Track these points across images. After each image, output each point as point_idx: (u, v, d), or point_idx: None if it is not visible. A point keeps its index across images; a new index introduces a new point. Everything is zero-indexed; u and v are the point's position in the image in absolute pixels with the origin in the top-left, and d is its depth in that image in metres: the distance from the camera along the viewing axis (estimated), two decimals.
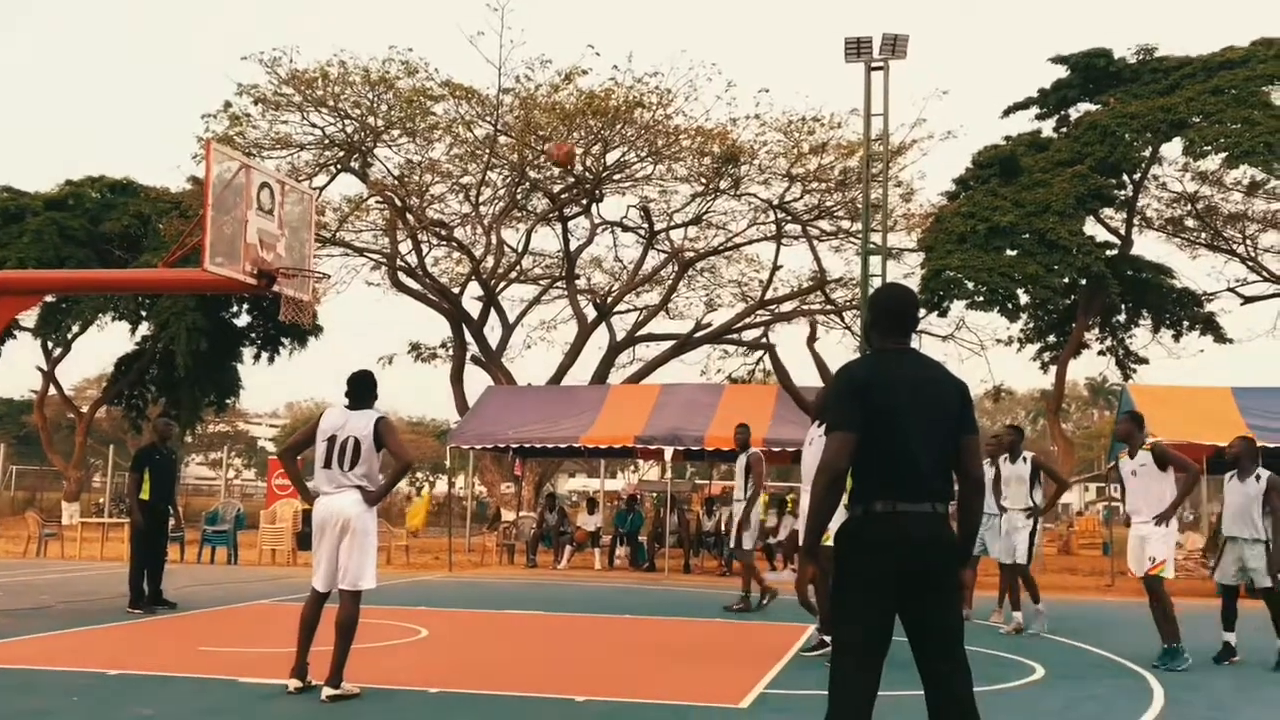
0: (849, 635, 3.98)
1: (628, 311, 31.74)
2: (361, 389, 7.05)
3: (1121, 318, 27.27)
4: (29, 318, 30.09)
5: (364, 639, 9.51)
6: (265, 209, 10.27)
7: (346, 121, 26.28)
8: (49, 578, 15.39)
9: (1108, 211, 25.68)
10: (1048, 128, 26.58)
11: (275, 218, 10.46)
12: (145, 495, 11.51)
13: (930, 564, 3.96)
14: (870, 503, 3.99)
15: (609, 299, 30.95)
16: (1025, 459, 11.21)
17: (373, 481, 6.93)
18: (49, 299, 26.63)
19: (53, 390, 35.88)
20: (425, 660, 8.70)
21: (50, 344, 33.63)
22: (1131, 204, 25.76)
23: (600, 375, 29.47)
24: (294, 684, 6.92)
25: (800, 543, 4.29)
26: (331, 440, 6.88)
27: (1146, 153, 24.39)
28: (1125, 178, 24.97)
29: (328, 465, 6.88)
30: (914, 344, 4.24)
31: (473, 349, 29.90)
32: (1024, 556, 11.05)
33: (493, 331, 30.09)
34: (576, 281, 30.63)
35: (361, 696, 6.84)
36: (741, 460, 12.57)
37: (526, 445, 19.74)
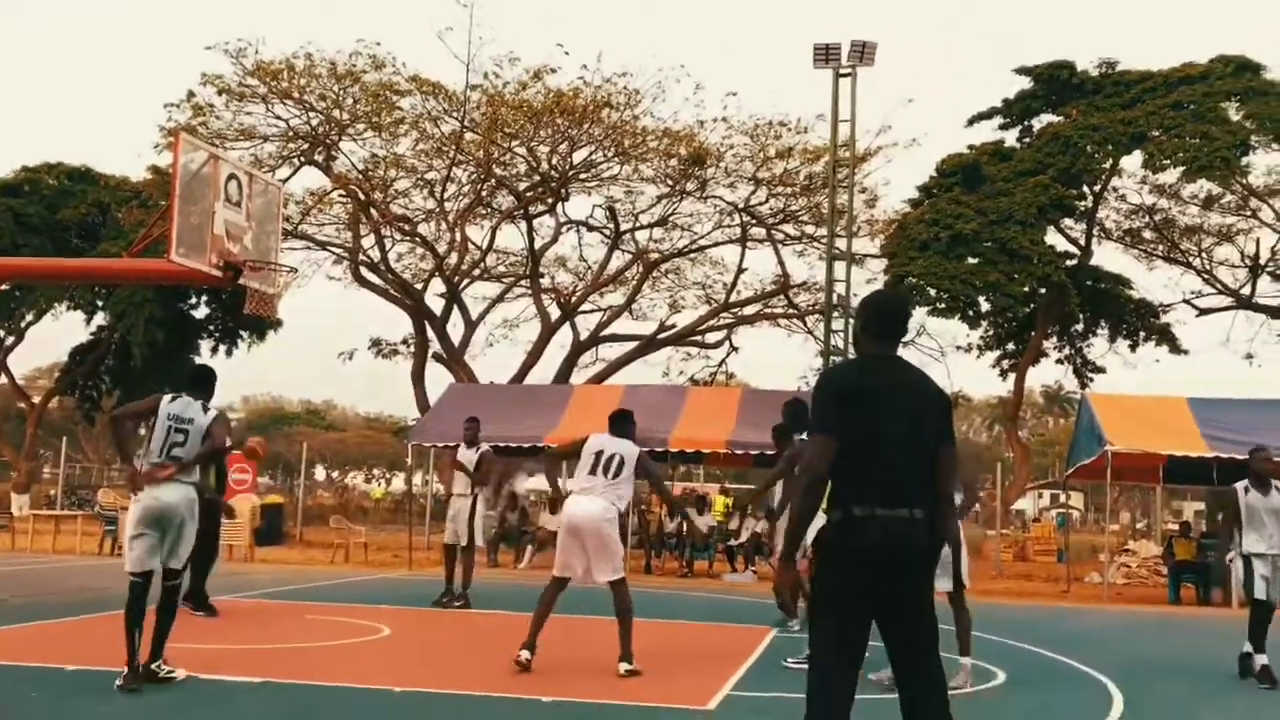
0: (827, 640, 3.99)
1: (591, 311, 31.74)
2: (623, 423, 8.26)
3: (1080, 327, 27.65)
4: None
5: (324, 636, 9.47)
6: (233, 201, 10.15)
7: (311, 114, 26.09)
8: (1, 570, 15.12)
9: (1068, 222, 26.05)
10: (1011, 138, 26.91)
11: (243, 210, 10.33)
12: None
13: (908, 569, 3.98)
14: (849, 507, 3.99)
15: (573, 299, 30.90)
16: None
17: (621, 498, 8.00)
18: (3, 287, 26.15)
19: (3, 379, 35.29)
20: (388, 659, 8.63)
21: (3, 332, 33.07)
22: (1092, 215, 26.13)
23: (563, 375, 29.42)
24: (524, 655, 7.68)
25: (780, 549, 4.29)
26: (599, 454, 8.00)
27: (1107, 164, 24.77)
28: (1086, 189, 25.35)
29: (593, 472, 7.95)
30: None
31: (434, 346, 29.74)
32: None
33: (455, 329, 29.96)
34: (540, 280, 30.55)
35: (640, 674, 7.62)
36: (471, 455, 12.30)
37: (489, 444, 19.62)
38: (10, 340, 33.69)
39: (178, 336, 29.97)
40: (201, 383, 7.48)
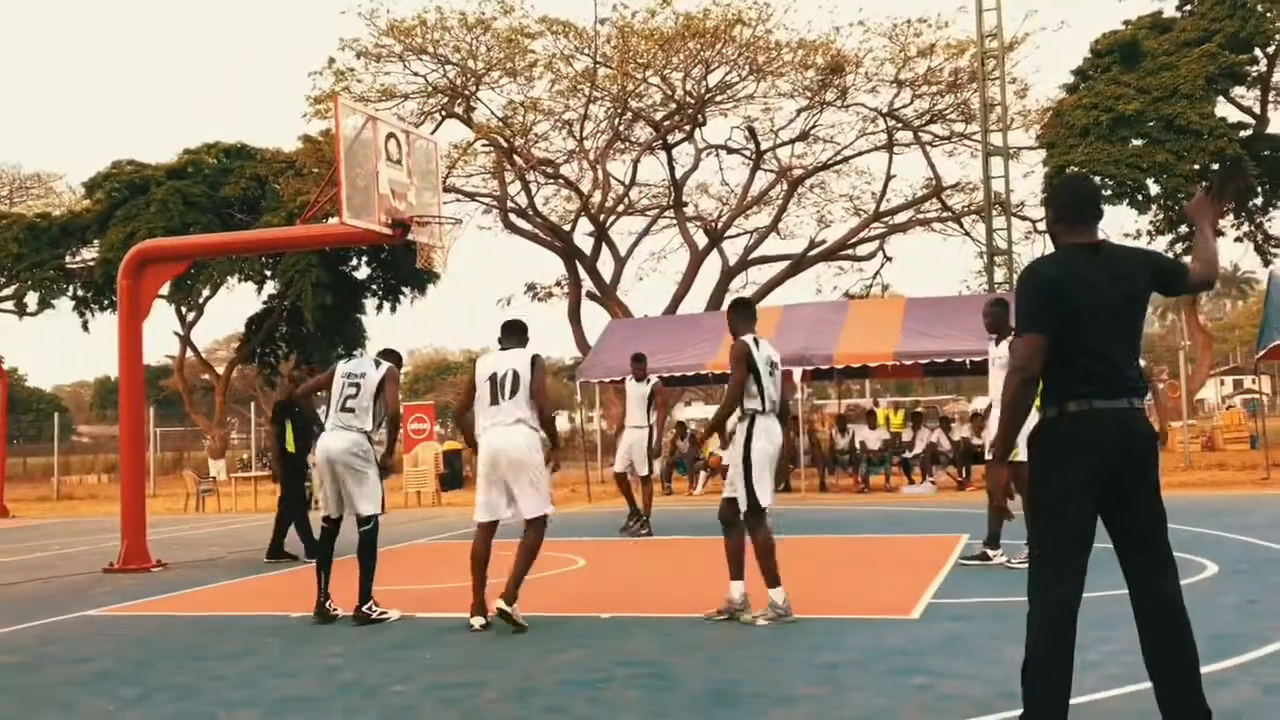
0: (1052, 540, 3.90)
1: (738, 235, 31.56)
2: (511, 333, 7.22)
3: (1259, 201, 26.07)
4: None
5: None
6: (394, 159, 10.41)
7: (447, 67, 26.45)
8: (212, 531, 16.14)
9: (1239, 90, 24.48)
10: (1170, 7, 25.34)
11: (404, 167, 10.60)
12: (290, 447, 11.51)
13: (1132, 459, 3.86)
14: (1064, 403, 3.89)
15: (718, 224, 30.74)
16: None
17: (530, 415, 6.92)
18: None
19: (189, 354, 37.36)
20: (590, 588, 8.89)
21: (184, 309, 34.94)
22: (1266, 79, 24.47)
23: (714, 302, 29.39)
24: (478, 621, 6.96)
25: (993, 451, 4.21)
26: (492, 378, 7.01)
27: None
28: (1259, 52, 23.71)
29: (494, 401, 6.96)
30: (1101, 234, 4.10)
31: (587, 285, 30.08)
32: None
33: (605, 266, 30.22)
34: (685, 209, 30.47)
35: (526, 629, 6.81)
36: (642, 389, 12.70)
37: (655, 376, 19.83)
38: (191, 316, 35.60)
39: (344, 298, 31.17)
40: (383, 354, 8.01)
